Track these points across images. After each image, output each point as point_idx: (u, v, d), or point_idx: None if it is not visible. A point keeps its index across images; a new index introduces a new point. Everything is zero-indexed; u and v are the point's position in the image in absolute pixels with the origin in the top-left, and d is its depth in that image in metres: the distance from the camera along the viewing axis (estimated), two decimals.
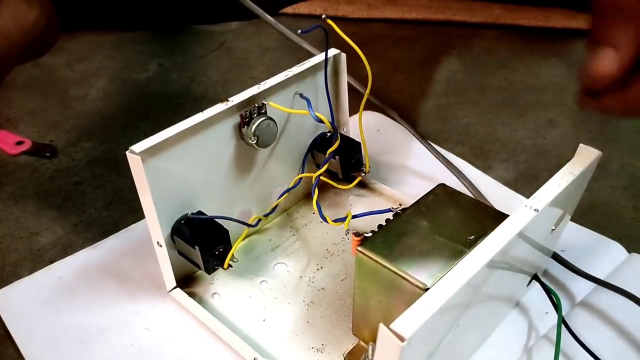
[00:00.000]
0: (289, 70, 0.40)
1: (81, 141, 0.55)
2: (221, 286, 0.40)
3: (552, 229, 0.34)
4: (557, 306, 0.34)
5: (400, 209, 0.34)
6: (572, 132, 0.56)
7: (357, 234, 0.31)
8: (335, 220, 0.39)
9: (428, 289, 0.28)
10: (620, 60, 0.25)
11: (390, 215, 0.33)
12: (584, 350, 0.34)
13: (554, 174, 0.31)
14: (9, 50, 0.40)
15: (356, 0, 0.78)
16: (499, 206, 0.35)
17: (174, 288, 0.39)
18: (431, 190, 0.35)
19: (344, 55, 0.43)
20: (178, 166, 0.36)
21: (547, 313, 0.37)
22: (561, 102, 0.60)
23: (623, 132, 0.55)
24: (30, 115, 0.59)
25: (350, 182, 0.44)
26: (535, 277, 0.36)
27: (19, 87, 0.63)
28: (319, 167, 0.42)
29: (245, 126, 0.38)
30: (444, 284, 0.25)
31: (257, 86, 0.38)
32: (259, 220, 0.41)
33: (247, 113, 0.38)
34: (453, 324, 0.28)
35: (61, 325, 0.38)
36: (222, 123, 0.37)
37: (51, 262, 0.42)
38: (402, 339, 0.23)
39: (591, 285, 0.38)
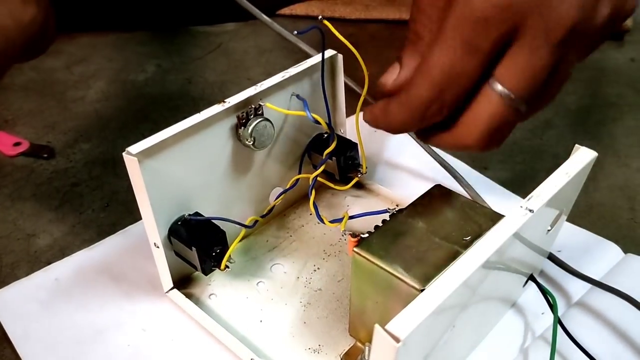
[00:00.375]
0: (285, 71, 0.40)
1: (79, 142, 0.55)
2: (218, 287, 0.40)
3: (548, 230, 0.35)
4: (553, 307, 0.34)
5: (396, 209, 0.34)
6: (568, 133, 0.56)
7: (353, 235, 0.31)
8: (332, 221, 0.39)
9: (424, 289, 0.28)
10: (399, 77, 0.31)
11: (386, 216, 0.33)
12: (579, 351, 0.34)
13: (550, 175, 0.31)
14: (6, 48, 0.40)
15: (354, 1, 0.78)
16: (495, 207, 0.35)
17: (171, 289, 0.39)
18: (427, 191, 0.35)
19: (340, 56, 0.43)
20: (175, 167, 0.36)
21: (543, 313, 0.38)
22: (558, 102, 0.60)
23: (619, 133, 0.56)
24: (28, 117, 0.59)
25: (347, 183, 0.44)
26: (531, 278, 0.36)
27: (17, 89, 0.63)
28: (316, 168, 0.42)
29: (242, 127, 0.38)
30: (440, 284, 0.25)
31: (253, 87, 0.38)
32: (256, 221, 0.41)
33: (244, 114, 0.38)
34: (449, 324, 0.28)
35: (58, 326, 0.38)
36: (219, 124, 0.37)
37: (48, 264, 0.42)
38: (397, 339, 0.23)
39: (587, 285, 0.38)
